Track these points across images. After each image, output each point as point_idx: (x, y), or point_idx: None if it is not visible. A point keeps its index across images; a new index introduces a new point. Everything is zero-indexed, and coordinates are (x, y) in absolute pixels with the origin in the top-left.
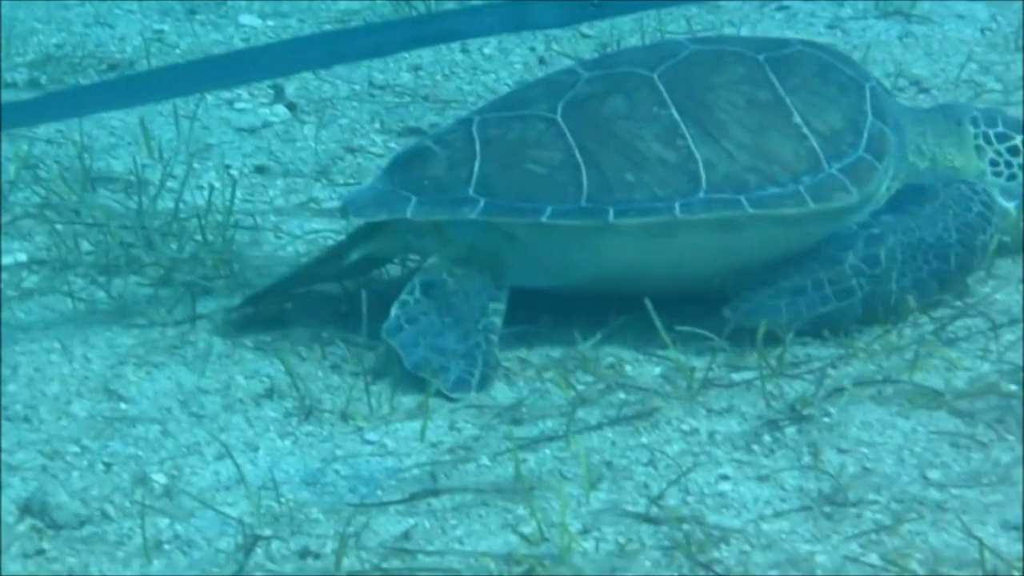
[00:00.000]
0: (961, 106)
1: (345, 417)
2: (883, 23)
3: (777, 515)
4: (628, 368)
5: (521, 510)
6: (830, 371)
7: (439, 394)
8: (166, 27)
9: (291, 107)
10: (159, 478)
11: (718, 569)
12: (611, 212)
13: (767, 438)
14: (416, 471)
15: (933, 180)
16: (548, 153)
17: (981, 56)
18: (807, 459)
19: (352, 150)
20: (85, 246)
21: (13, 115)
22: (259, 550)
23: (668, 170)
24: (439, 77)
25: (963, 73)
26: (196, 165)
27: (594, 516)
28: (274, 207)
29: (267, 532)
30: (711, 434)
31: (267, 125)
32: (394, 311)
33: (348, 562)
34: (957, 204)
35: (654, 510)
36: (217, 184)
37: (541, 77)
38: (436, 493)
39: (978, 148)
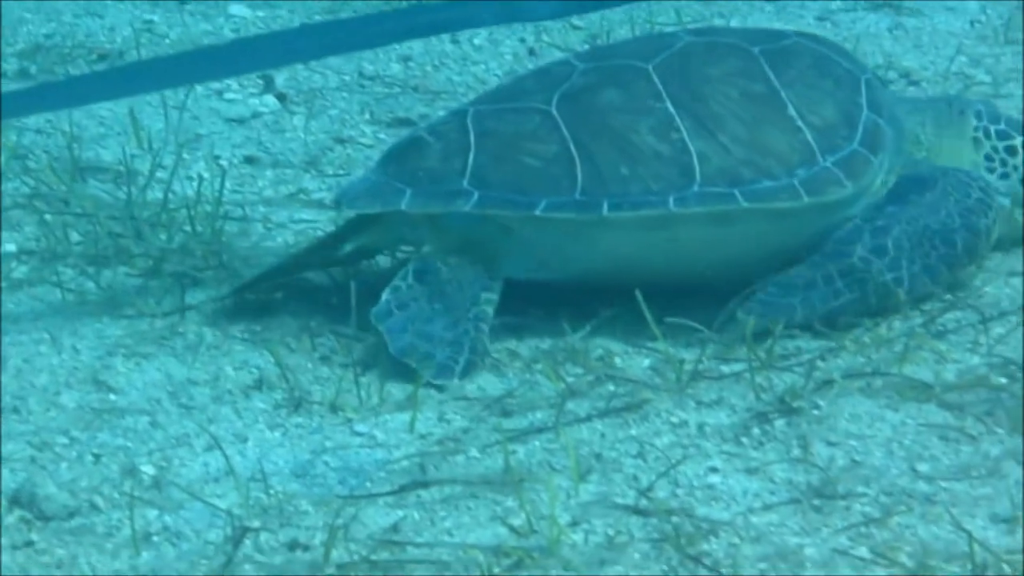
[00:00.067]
0: (967, 99)
1: (334, 408)
2: (873, 15)
3: (766, 508)
4: (617, 360)
5: (510, 502)
6: (819, 364)
7: (428, 385)
8: (156, 17)
9: (281, 98)
10: (148, 469)
11: (707, 561)
12: (605, 205)
13: (756, 430)
14: (405, 463)
15: (931, 169)
16: (543, 146)
17: (971, 48)
18: (796, 452)
19: (342, 141)
20: (74, 236)
21: (11, 105)
22: (248, 542)
23: (662, 163)
24: (429, 68)
25: (953, 65)
26: (185, 155)
27: (583, 508)
28: (263, 198)
29: (256, 524)
30: (700, 426)
31: (257, 115)
32: (385, 295)
33: (337, 554)
34: (956, 191)
35: (643, 502)
36: (206, 175)
37: (536, 68)
38: (425, 485)
39: (975, 141)
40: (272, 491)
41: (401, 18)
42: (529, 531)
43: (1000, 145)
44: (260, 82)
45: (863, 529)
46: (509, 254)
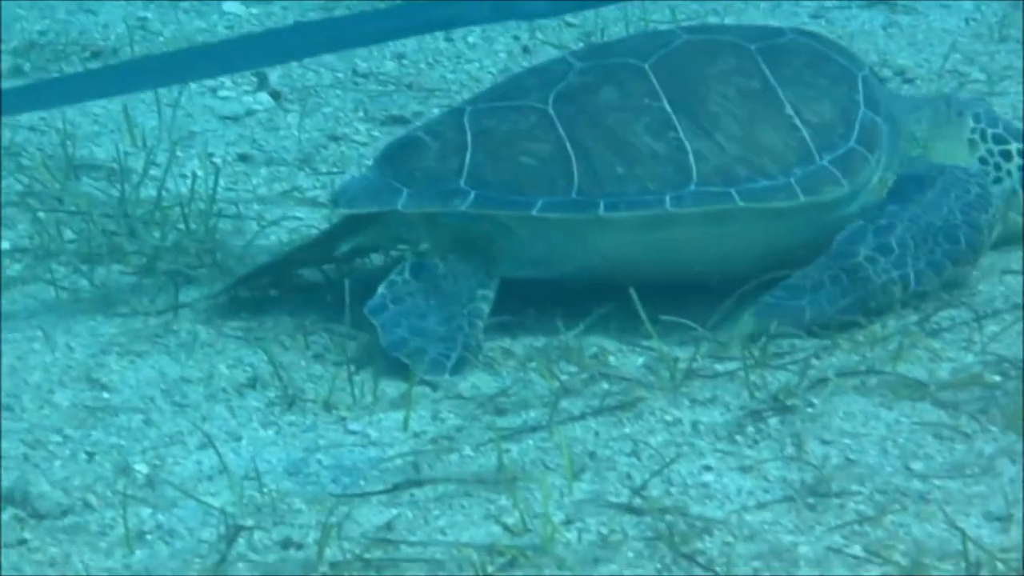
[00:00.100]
0: (966, 100)
1: (328, 407)
2: (867, 12)
3: (760, 506)
4: (611, 358)
5: (504, 500)
6: (814, 362)
7: (422, 383)
8: (149, 14)
9: (275, 95)
10: (141, 468)
11: (701, 560)
12: (601, 205)
13: (750, 429)
14: (399, 461)
15: (929, 167)
16: (539, 145)
17: (965, 46)
18: (790, 450)
19: (336, 138)
20: (68, 234)
21: (5, 102)
22: (241, 540)
23: (659, 163)
24: (423, 65)
25: (947, 63)
26: (179, 153)
27: (577, 507)
28: (257, 195)
29: (249, 522)
30: (694, 424)
31: (250, 113)
32: (381, 289)
33: (330, 552)
34: (956, 188)
35: (637, 501)
36: (200, 172)
37: (533, 66)
38: (419, 483)
39: (972, 143)
40: (266, 489)
41: (395, 16)
42: (523, 529)
43: (996, 149)
44: (254, 80)
45: (857, 527)
46: (506, 253)
